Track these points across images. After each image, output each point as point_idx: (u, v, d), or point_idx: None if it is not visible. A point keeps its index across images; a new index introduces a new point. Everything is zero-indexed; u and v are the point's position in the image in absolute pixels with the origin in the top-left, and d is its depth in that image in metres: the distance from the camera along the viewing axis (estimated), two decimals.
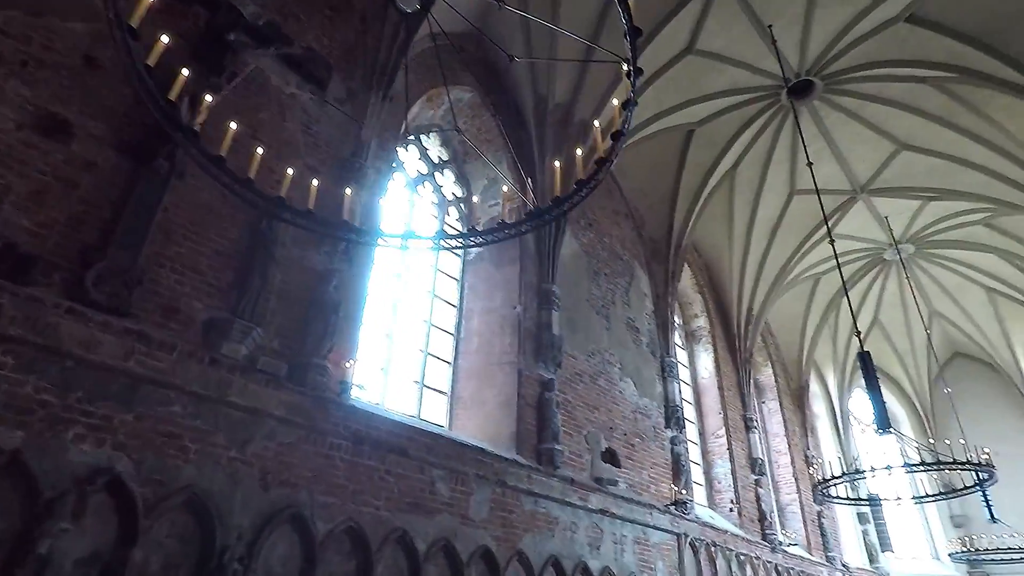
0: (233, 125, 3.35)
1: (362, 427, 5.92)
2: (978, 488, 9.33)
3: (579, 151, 3.24)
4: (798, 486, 15.72)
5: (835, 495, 9.45)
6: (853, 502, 10.04)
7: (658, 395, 11.37)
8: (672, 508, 10.08)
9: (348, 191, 3.55)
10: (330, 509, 5.43)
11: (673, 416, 11.25)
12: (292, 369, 5.63)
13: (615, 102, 3.10)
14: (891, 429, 7.23)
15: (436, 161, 10.00)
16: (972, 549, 14.42)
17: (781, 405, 16.79)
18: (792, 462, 15.91)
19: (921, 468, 7.83)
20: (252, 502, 4.96)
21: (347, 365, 5.99)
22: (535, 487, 7.62)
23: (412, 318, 8.51)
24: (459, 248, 3.78)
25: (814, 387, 18.60)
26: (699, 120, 12.22)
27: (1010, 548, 13.38)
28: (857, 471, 8.02)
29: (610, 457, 9.47)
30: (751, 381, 15.47)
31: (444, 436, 6.89)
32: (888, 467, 7.87)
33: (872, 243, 16.53)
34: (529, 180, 9.01)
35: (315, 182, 3.76)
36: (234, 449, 4.98)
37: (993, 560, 14.69)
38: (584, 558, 8.01)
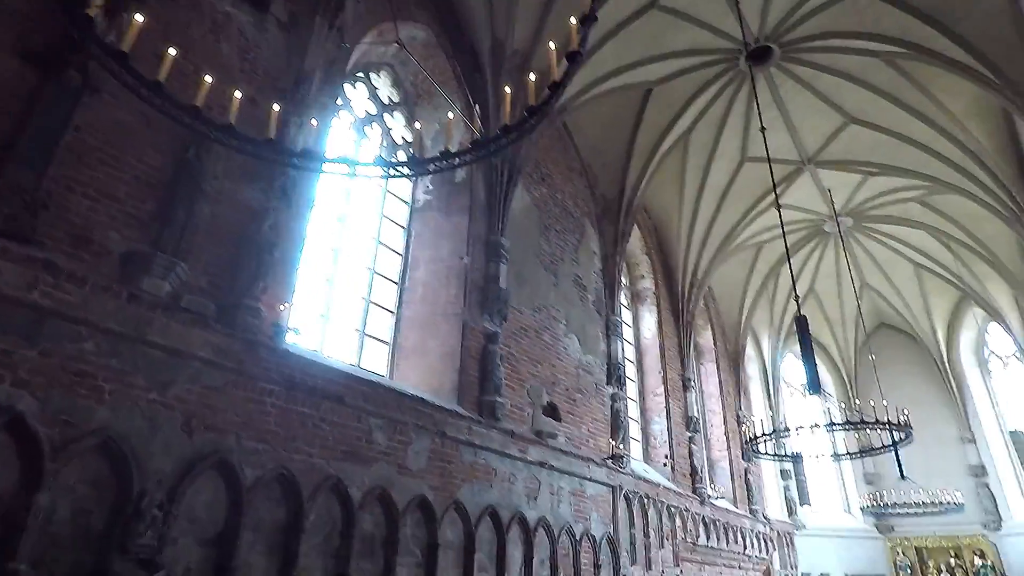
0: (172, 51, 2.93)
1: (296, 373, 5.68)
2: (892, 447, 9.87)
3: (531, 76, 3.02)
4: (728, 444, 16.42)
5: (763, 452, 9.89)
6: (778, 458, 10.52)
7: (601, 352, 11.49)
8: (609, 462, 10.31)
9: (275, 107, 3.22)
10: (260, 456, 5.23)
11: (615, 373, 11.41)
12: (221, 309, 5.30)
13: (573, 20, 2.88)
14: (821, 390, 7.51)
15: (386, 102, 9.53)
16: (881, 503, 15.48)
17: (718, 367, 17.36)
18: (724, 421, 16.56)
19: (846, 427, 8.24)
20: (174, 447, 4.70)
21: (281, 308, 5.70)
22: (475, 439, 7.59)
23: (355, 265, 8.21)
24: (405, 176, 3.55)
25: (750, 351, 19.30)
26: (657, 79, 12.05)
27: (915, 503, 14.43)
28: (784, 429, 8.36)
29: (551, 411, 9.55)
30: (691, 343, 15.87)
31: (384, 385, 6.73)
32: (815, 426, 8.24)
33: (814, 214, 16.99)
34: (483, 125, 8.70)
35: (275, 107, 3.43)
36: (155, 391, 4.67)
37: (898, 513, 15.84)
38: (521, 509, 8.10)
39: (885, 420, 7.85)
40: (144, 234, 5.00)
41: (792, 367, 21.41)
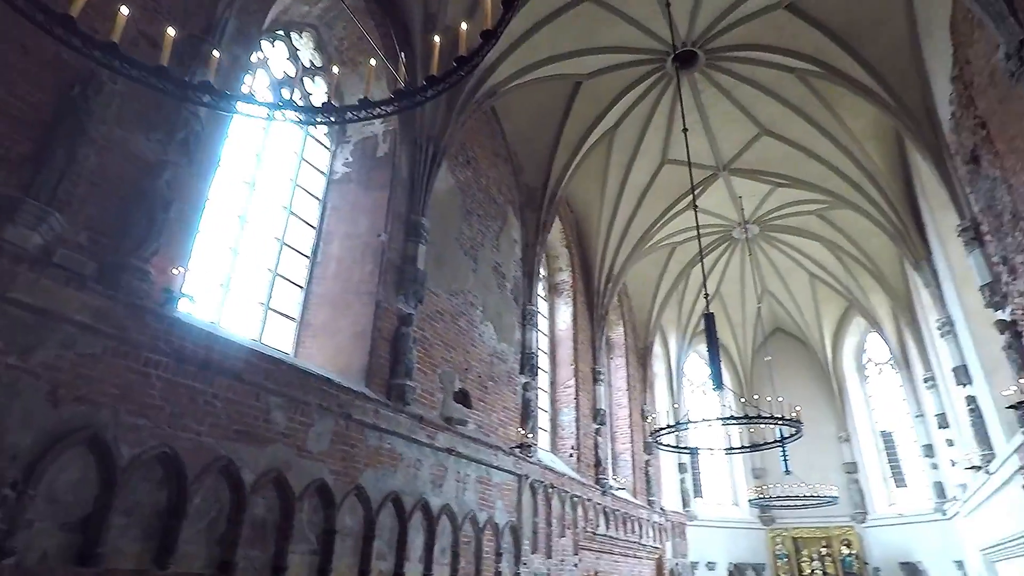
0: None
1: (188, 344, 5.20)
2: (781, 443, 10.47)
3: (464, 25, 2.84)
4: (632, 437, 16.95)
5: (665, 443, 10.24)
6: (678, 450, 10.93)
7: (516, 341, 11.47)
8: (517, 451, 10.31)
9: (170, 31, 2.84)
10: (140, 432, 4.75)
11: (528, 363, 11.43)
12: (103, 269, 4.75)
13: None
14: (724, 386, 7.83)
15: (307, 65, 8.99)
16: (766, 496, 16.49)
17: (627, 362, 17.85)
18: (630, 415, 17.06)
19: (744, 422, 8.66)
20: (36, 419, 4.16)
21: (174, 272, 5.20)
22: (382, 422, 7.33)
23: (262, 234, 7.69)
24: (320, 123, 3.26)
25: (657, 348, 19.99)
26: (588, 72, 12.12)
27: (797, 496, 15.47)
28: (688, 422, 8.68)
29: (463, 398, 9.41)
30: (604, 337, 16.21)
31: (286, 363, 6.33)
32: (717, 419, 8.60)
33: (725, 220, 17.80)
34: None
35: (170, 31, 3.03)
36: (14, 356, 4.11)
37: (782, 506, 16.94)
38: (426, 495, 7.92)
39: (780, 416, 8.31)
40: (14, 177, 4.38)
41: (695, 366, 22.42)
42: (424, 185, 9.15)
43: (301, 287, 8.07)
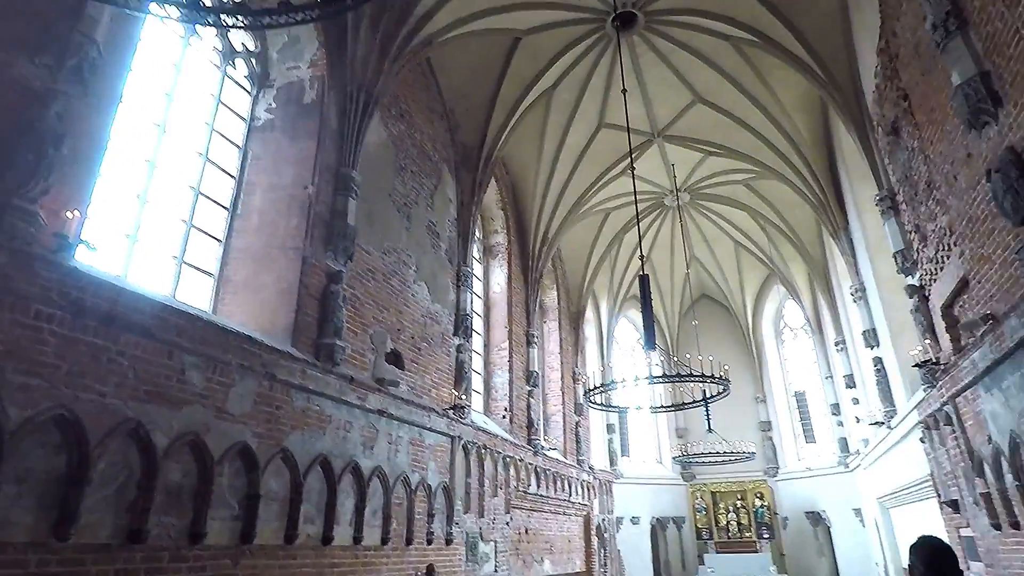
0: None
1: (88, 296, 4.70)
2: (705, 402, 10.86)
3: None
4: (563, 399, 17.23)
5: (596, 402, 10.45)
6: (608, 408, 11.17)
7: (450, 303, 11.26)
8: (450, 412, 10.21)
9: None
10: (31, 392, 4.27)
11: (462, 325, 11.28)
12: None
13: None
14: (656, 346, 7.96)
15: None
16: (688, 453, 17.26)
17: (560, 326, 18.03)
18: (562, 377, 17.31)
19: (675, 380, 8.92)
20: None
21: (69, 216, 4.65)
22: (309, 383, 7.01)
23: (175, 183, 7.07)
24: (234, 27, 2.89)
25: (589, 313, 20.29)
26: (527, 28, 11.78)
27: (717, 452, 16.26)
28: (621, 381, 8.83)
29: (395, 359, 9.17)
30: (538, 301, 16.25)
31: (204, 319, 5.88)
32: (649, 378, 8.79)
33: (658, 188, 18.06)
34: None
35: None
36: None
37: (703, 462, 17.78)
38: (356, 457, 7.70)
39: (709, 374, 8.58)
40: None
41: (625, 330, 22.98)
42: (355, 136, 8.68)
43: (220, 241, 7.52)
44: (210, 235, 7.42)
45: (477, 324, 13.92)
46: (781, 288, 21.21)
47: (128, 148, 6.37)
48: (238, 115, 8.18)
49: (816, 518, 19.28)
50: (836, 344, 16.71)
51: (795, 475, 20.16)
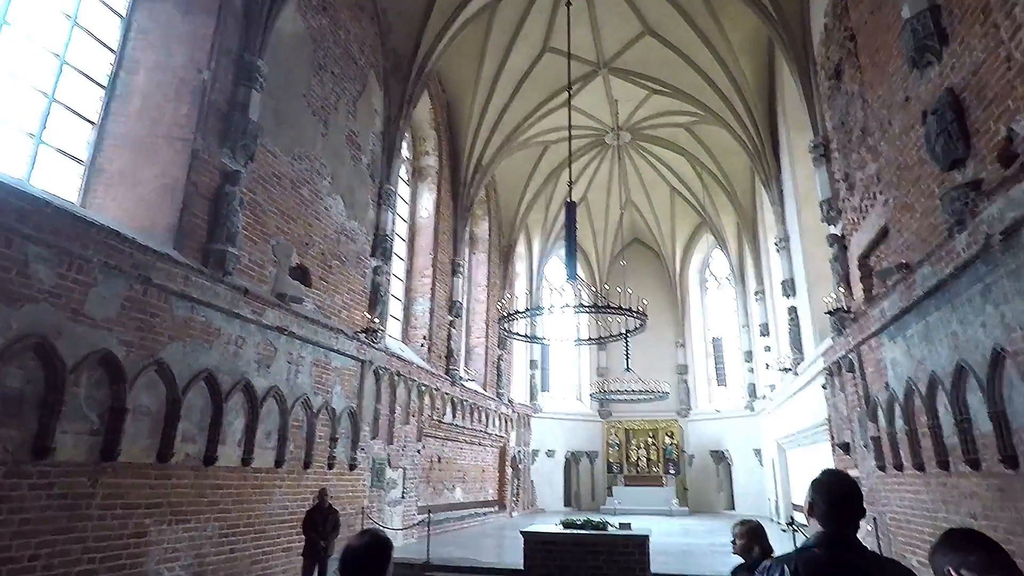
0: None
1: None
2: (625, 336, 10.82)
3: None
4: (488, 332, 17.02)
5: (516, 332, 10.23)
6: (529, 339, 10.99)
7: (369, 221, 10.56)
8: (362, 336, 9.71)
9: None
10: None
11: (381, 246, 10.64)
12: None
13: None
14: (577, 278, 7.68)
15: None
16: (607, 390, 17.58)
17: (489, 259, 17.62)
18: (487, 310, 17.04)
19: (595, 310, 8.74)
20: None
21: None
22: (194, 291, 6.31)
23: (35, 48, 5.98)
24: None
25: (520, 249, 19.96)
26: None
27: (633, 390, 16.61)
28: (540, 308, 8.57)
29: (301, 275, 8.50)
30: (468, 230, 15.70)
31: (55, 206, 5.03)
32: (568, 306, 8.56)
33: (599, 124, 17.57)
34: None
35: None
36: None
37: (620, 399, 18.20)
38: (248, 375, 7.13)
39: (628, 307, 8.42)
40: None
41: (556, 269, 22.85)
42: (264, 20, 7.66)
43: (93, 124, 6.52)
44: (82, 116, 6.41)
45: (400, 248, 13.29)
46: (710, 237, 21.48)
47: None
48: None
49: (719, 456, 20.31)
50: (756, 293, 17.13)
51: (704, 416, 21.05)
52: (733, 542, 3.27)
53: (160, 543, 5.89)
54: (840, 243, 8.77)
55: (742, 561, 3.17)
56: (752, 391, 18.64)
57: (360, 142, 10.35)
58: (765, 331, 16.36)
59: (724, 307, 22.04)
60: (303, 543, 7.05)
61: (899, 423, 7.07)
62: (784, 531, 14.08)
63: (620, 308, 8.40)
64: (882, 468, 7.63)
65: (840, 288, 8.51)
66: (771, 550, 3.07)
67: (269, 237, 7.84)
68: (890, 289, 6.75)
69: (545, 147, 17.77)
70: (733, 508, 19.49)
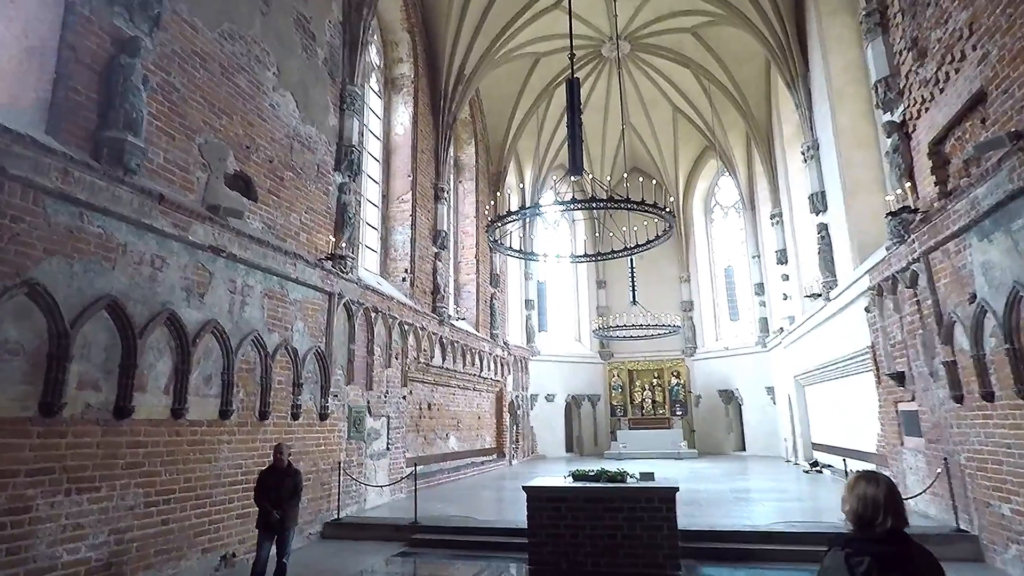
0: None
1: None
2: (632, 250, 9.44)
3: None
4: (478, 268, 15.52)
5: (509, 247, 8.76)
6: (522, 255, 9.55)
7: (330, 128, 8.87)
8: (327, 263, 8.18)
9: None
10: None
11: (347, 159, 8.98)
12: None
13: None
14: (583, 172, 6.13)
15: None
16: (608, 326, 16.26)
17: (477, 187, 15.96)
18: (477, 244, 15.49)
19: (601, 205, 7.29)
20: None
21: None
22: (80, 191, 4.72)
23: None
24: None
25: (511, 178, 18.24)
26: None
27: (639, 325, 15.26)
28: (536, 205, 7.09)
29: (243, 185, 6.89)
30: (451, 150, 14.00)
31: None
32: (573, 202, 7.08)
33: (595, 33, 15.64)
34: None
35: None
36: None
37: (623, 338, 16.93)
38: (173, 305, 5.62)
39: (653, 203, 6.92)
40: None
41: (550, 202, 21.13)
42: None
43: None
44: None
45: (374, 170, 11.62)
46: (716, 163, 19.80)
47: None
48: None
49: (729, 396, 19.23)
50: (772, 218, 15.59)
51: (712, 354, 19.87)
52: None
53: (54, 519, 4.49)
54: (901, 131, 7.20)
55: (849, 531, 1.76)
56: (764, 326, 17.35)
57: (314, 31, 8.53)
58: (783, 258, 14.92)
59: (731, 238, 20.56)
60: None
61: (990, 343, 5.69)
62: (807, 472, 13.09)
63: (642, 203, 6.85)
64: (958, 399, 6.30)
65: (903, 184, 6.99)
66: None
67: (193, 133, 6.18)
68: (990, 170, 5.24)
69: (535, 60, 15.87)
70: (744, 449, 18.52)
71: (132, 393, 5.13)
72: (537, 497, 6.13)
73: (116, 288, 5.05)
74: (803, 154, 11.73)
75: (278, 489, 5.22)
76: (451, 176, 15.12)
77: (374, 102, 11.78)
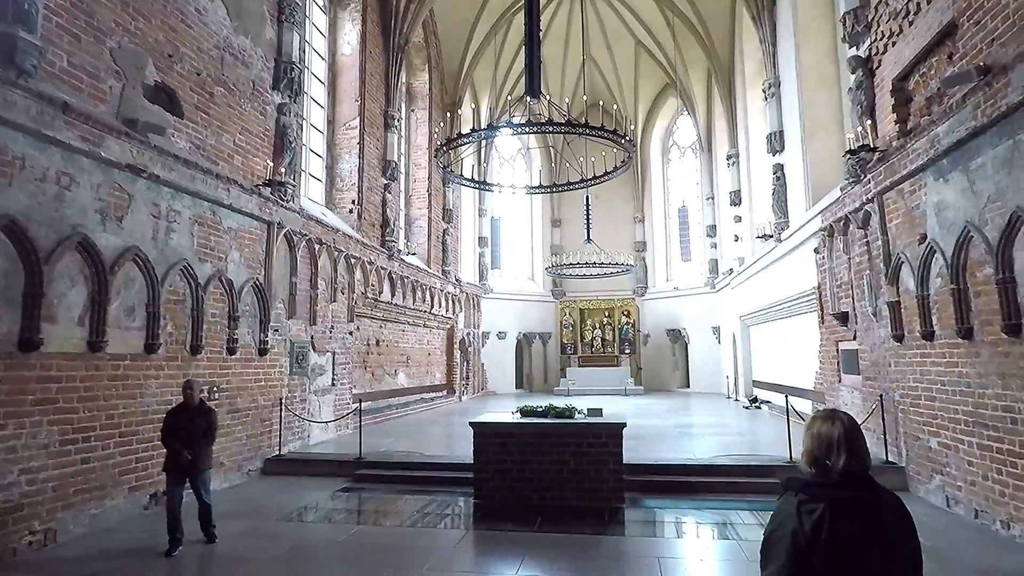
0: None
1: None
2: (585, 184, 9.19)
3: None
4: (431, 202, 15.02)
5: (461, 177, 8.37)
6: (476, 185, 9.21)
7: (267, 42, 8.10)
8: (265, 190, 7.63)
9: None
10: None
11: (286, 76, 8.26)
12: None
13: None
14: (541, 95, 5.75)
15: None
16: (561, 264, 16.16)
17: (431, 117, 15.22)
18: (429, 177, 14.93)
19: (559, 129, 6.95)
20: None
21: None
22: None
23: None
24: None
25: (467, 110, 17.48)
26: None
27: (592, 263, 15.20)
28: (490, 126, 6.70)
29: (166, 99, 6.21)
30: (402, 76, 13.19)
31: None
32: (520, 126, 6.75)
33: None
34: None
35: None
36: None
37: (576, 276, 16.90)
38: (85, 229, 5.09)
39: (610, 129, 6.63)
40: None
41: (506, 138, 20.52)
42: None
43: None
44: None
45: (319, 93, 10.84)
46: (675, 102, 19.45)
47: None
48: None
49: (676, 335, 19.65)
50: (728, 158, 15.50)
51: (662, 295, 20.14)
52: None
53: None
54: (866, 67, 7.03)
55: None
56: (714, 267, 17.57)
57: None
58: (737, 200, 14.93)
59: (687, 179, 20.50)
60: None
61: (935, 284, 5.76)
62: (747, 408, 13.58)
63: (601, 128, 6.54)
64: (898, 339, 6.43)
65: (864, 122, 6.87)
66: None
67: (104, 35, 5.45)
68: (954, 107, 5.13)
69: None
70: (688, 387, 19.10)
71: (39, 324, 4.67)
72: (484, 432, 6.04)
73: (14, 207, 4.49)
74: (764, 92, 11.52)
75: (190, 429, 4.82)
76: (403, 104, 14.36)
77: (318, 17, 10.87)
